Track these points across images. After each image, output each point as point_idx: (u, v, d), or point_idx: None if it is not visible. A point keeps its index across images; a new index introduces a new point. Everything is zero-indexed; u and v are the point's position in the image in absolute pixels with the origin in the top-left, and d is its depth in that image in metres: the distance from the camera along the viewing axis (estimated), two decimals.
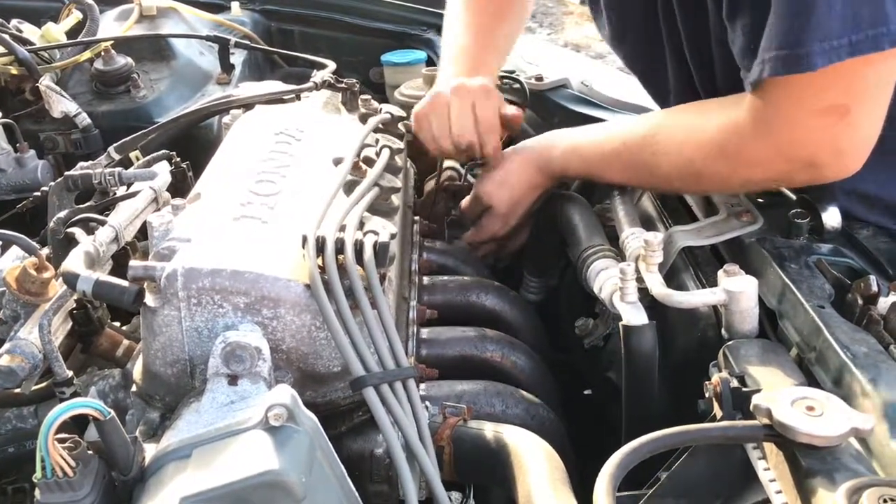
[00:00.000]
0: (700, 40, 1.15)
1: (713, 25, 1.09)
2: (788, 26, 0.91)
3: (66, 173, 1.16)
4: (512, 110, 1.38)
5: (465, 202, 1.45)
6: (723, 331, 1.01)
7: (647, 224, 1.27)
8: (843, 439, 0.72)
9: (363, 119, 1.29)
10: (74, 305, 0.98)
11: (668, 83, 1.29)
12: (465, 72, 1.38)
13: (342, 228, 0.88)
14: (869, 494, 0.65)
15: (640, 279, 1.05)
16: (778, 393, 0.77)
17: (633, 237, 1.15)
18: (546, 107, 1.68)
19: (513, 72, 1.67)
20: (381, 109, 1.32)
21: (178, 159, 1.25)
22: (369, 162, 1.08)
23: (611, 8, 1.32)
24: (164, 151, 1.25)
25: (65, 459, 0.67)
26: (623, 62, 1.41)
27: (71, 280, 0.84)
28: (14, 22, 1.80)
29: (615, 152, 1.22)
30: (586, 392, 1.41)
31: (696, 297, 1.01)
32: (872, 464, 0.75)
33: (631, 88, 1.76)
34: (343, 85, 1.37)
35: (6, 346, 0.90)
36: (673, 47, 1.23)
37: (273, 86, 1.41)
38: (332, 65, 1.54)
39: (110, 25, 1.95)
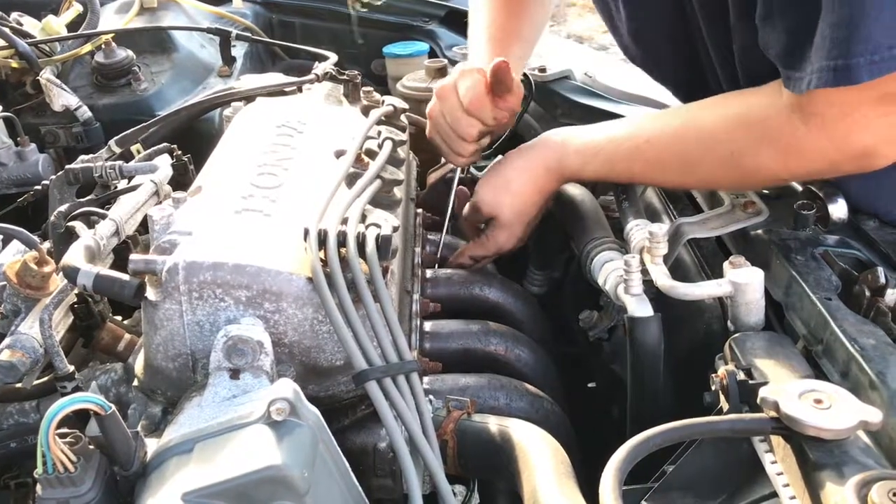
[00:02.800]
0: (721, 39, 1.12)
1: (735, 26, 1.06)
2: (838, 36, 0.87)
3: (67, 167, 1.16)
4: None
5: (464, 213, 1.32)
6: (728, 323, 1.00)
7: (652, 215, 1.26)
8: (851, 432, 0.72)
9: (365, 111, 1.28)
10: (75, 299, 0.97)
11: (692, 83, 1.24)
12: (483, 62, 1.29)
13: (344, 221, 0.87)
14: (878, 488, 0.64)
15: (644, 271, 1.04)
16: (785, 386, 0.76)
17: (637, 229, 1.14)
18: (549, 98, 1.67)
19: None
20: (383, 101, 1.31)
21: (180, 152, 1.24)
22: (371, 154, 1.07)
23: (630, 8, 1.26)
24: (165, 144, 1.24)
25: (66, 454, 0.67)
26: (638, 64, 1.35)
27: (71, 274, 0.84)
28: (14, 15, 1.80)
29: (640, 150, 1.12)
30: (590, 385, 1.40)
31: (701, 289, 1.00)
32: (881, 457, 0.74)
33: (634, 80, 1.75)
34: (345, 77, 1.37)
35: (7, 340, 0.90)
36: (693, 46, 1.19)
37: (274, 78, 1.40)
38: (333, 56, 1.53)
39: (111, 18, 1.95)
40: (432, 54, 2.03)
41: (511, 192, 1.23)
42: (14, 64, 1.70)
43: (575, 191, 1.37)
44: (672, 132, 1.10)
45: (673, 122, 1.11)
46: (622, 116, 1.58)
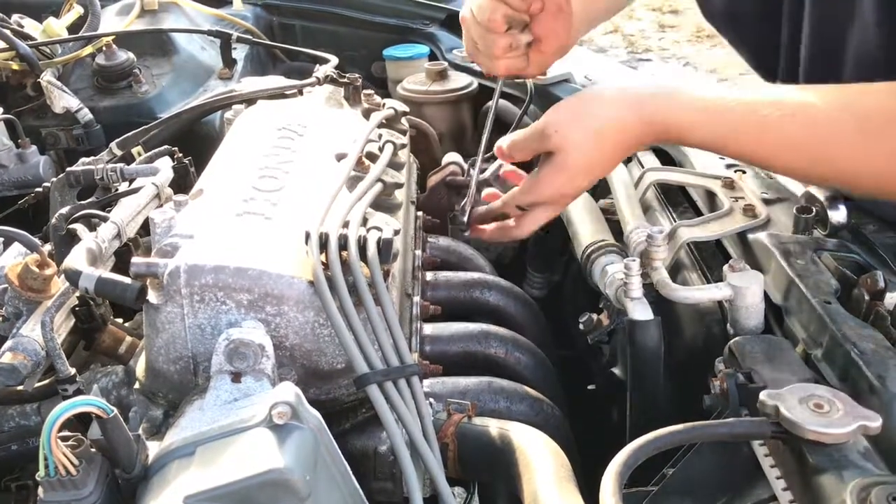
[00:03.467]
0: (829, 29, 1.04)
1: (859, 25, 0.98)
2: None
3: (68, 169, 1.16)
4: None
5: (517, 136, 1.05)
6: (728, 327, 1.00)
7: (652, 219, 1.27)
8: (851, 436, 0.72)
9: (366, 114, 1.28)
10: (77, 302, 0.97)
11: (779, 65, 1.16)
12: None
13: (346, 225, 0.87)
14: (878, 492, 0.65)
15: (645, 274, 1.04)
16: (785, 390, 0.77)
17: (637, 232, 1.14)
18: (550, 102, 1.66)
19: None
20: (383, 104, 1.31)
21: (181, 155, 1.24)
22: (372, 157, 1.07)
23: None
24: (166, 147, 1.25)
25: (68, 457, 0.67)
26: (728, 39, 1.25)
27: (73, 277, 0.84)
28: (15, 17, 1.80)
29: (780, 124, 0.92)
30: (590, 387, 1.41)
31: (701, 293, 1.00)
32: (880, 461, 0.74)
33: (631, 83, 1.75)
34: (346, 80, 1.37)
35: (8, 343, 0.90)
36: (792, 30, 1.11)
37: (275, 81, 1.40)
38: (334, 59, 1.53)
39: (112, 20, 1.95)
40: (432, 57, 2.03)
41: (593, 130, 0.99)
42: (15, 66, 1.70)
43: None
44: (827, 112, 0.91)
45: (828, 101, 0.92)
46: None
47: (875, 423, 0.72)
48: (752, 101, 0.94)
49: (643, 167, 1.40)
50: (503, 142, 1.07)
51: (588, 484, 0.86)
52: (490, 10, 1.05)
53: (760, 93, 0.96)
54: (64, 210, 1.02)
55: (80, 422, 0.72)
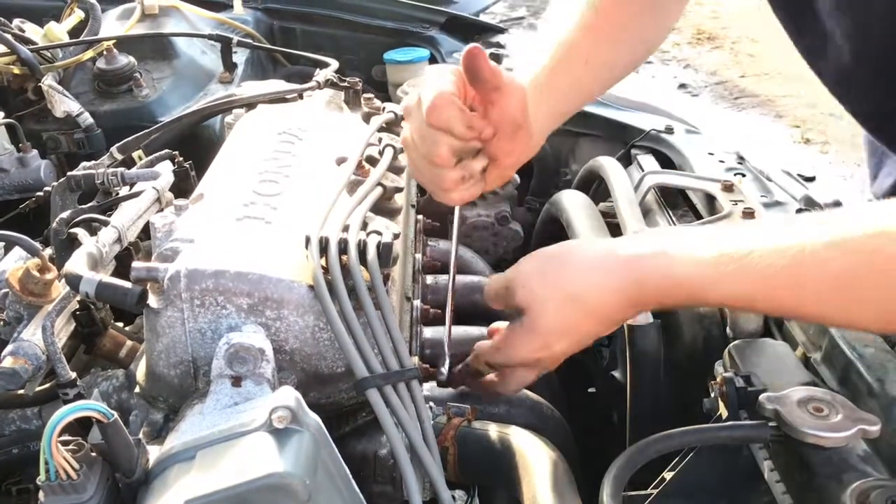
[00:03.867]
0: None
1: None
2: None
3: (69, 173, 1.16)
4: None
5: (492, 282, 0.92)
6: (728, 330, 1.01)
7: (651, 222, 1.27)
8: (850, 440, 0.72)
9: (366, 118, 1.29)
10: (77, 306, 0.98)
11: None
12: None
13: (345, 229, 0.87)
14: (877, 495, 0.65)
15: None
16: (784, 393, 0.77)
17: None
18: None
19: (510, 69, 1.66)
20: (384, 108, 1.31)
21: (181, 159, 1.24)
22: (372, 161, 1.07)
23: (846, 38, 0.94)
24: (166, 151, 1.25)
25: (68, 462, 0.67)
26: (844, 103, 1.05)
27: (74, 282, 0.84)
28: (16, 21, 1.80)
29: (828, 262, 0.70)
30: (590, 390, 1.41)
31: None
32: (880, 463, 0.74)
33: (632, 86, 1.75)
34: (346, 84, 1.37)
35: (9, 347, 0.90)
36: None
37: (276, 85, 1.41)
38: (334, 63, 1.53)
39: (112, 24, 1.95)
40: (433, 60, 2.03)
41: (567, 294, 0.83)
42: (16, 70, 1.70)
43: (574, 197, 1.37)
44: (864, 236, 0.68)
45: (863, 221, 0.70)
46: (621, 122, 1.60)
47: (874, 426, 0.72)
48: (778, 241, 0.74)
49: (643, 170, 1.40)
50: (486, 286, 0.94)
51: (588, 487, 0.86)
52: (432, 143, 0.88)
53: (782, 228, 0.77)
54: (65, 214, 1.02)
55: (80, 426, 0.72)
